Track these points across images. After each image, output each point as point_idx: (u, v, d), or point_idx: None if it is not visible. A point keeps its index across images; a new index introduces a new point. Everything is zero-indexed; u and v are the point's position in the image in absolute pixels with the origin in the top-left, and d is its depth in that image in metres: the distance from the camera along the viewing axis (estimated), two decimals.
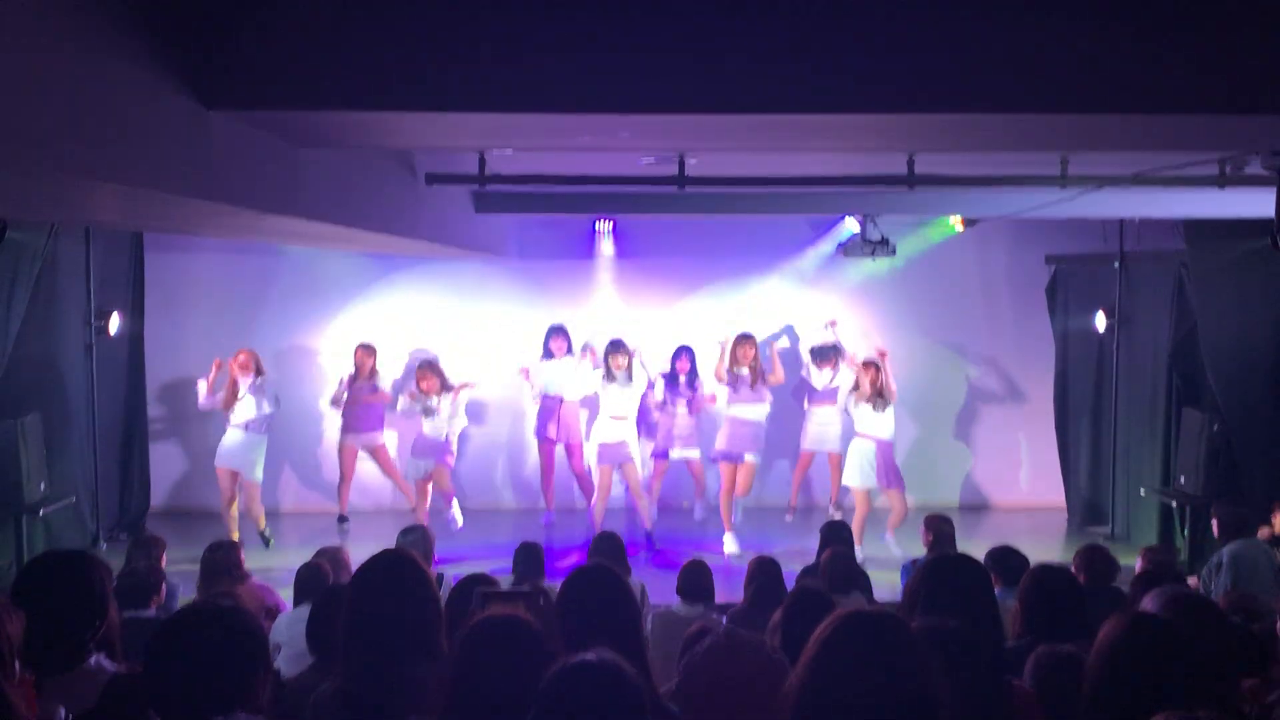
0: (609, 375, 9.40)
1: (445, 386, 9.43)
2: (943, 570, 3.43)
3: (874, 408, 8.93)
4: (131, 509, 10.06)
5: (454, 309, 10.85)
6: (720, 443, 9.42)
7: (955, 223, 9.96)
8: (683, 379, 9.83)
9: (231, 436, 9.14)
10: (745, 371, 9.33)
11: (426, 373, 9.46)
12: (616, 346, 9.46)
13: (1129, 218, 9.37)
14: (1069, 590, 3.89)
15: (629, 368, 9.38)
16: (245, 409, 9.10)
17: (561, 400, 10.10)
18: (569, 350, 10.13)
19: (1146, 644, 2.63)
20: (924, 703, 2.14)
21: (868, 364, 9.07)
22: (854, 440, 9.13)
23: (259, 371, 9.18)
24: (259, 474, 9.21)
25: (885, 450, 8.95)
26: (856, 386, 9.06)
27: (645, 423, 10.16)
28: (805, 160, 6.24)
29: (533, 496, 10.88)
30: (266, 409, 9.18)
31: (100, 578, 3.10)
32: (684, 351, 9.96)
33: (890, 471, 8.96)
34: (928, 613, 3.11)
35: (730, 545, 9.22)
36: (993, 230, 10.40)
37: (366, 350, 9.91)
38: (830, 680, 2.15)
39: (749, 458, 9.34)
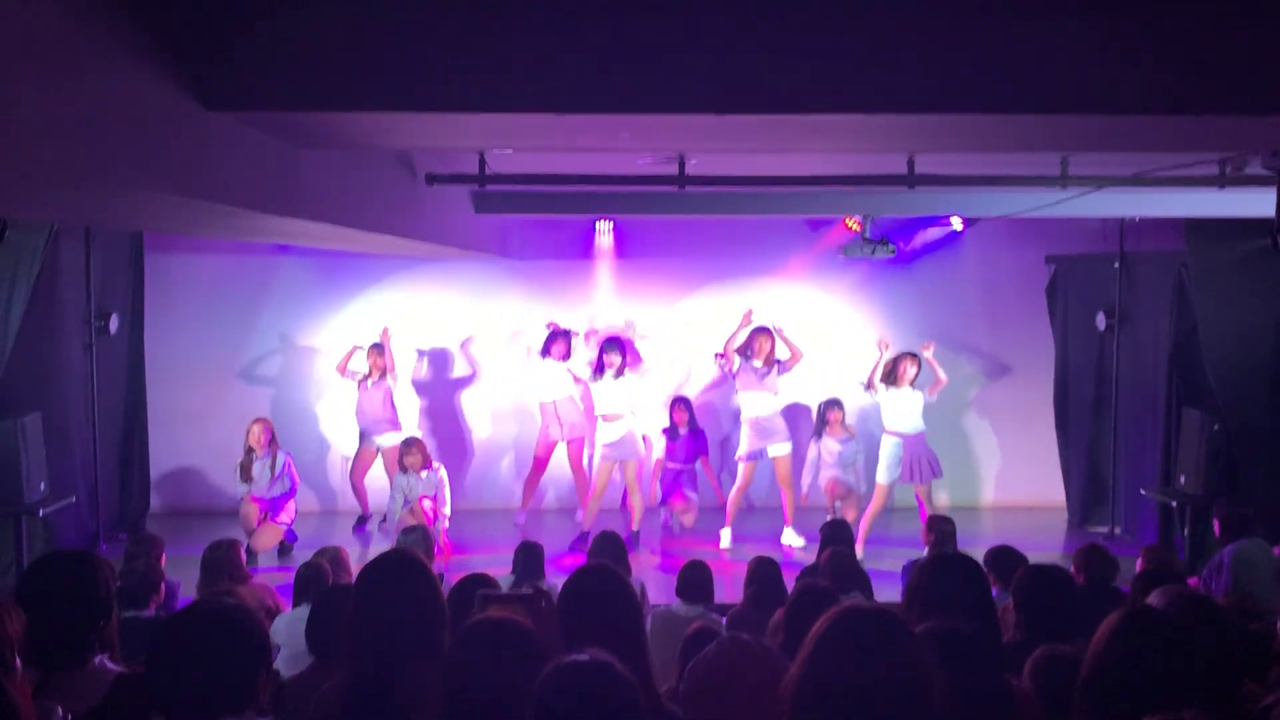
0: (600, 372, 9.38)
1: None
2: (941, 569, 3.44)
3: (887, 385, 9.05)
4: (131, 509, 10.05)
5: (454, 309, 10.84)
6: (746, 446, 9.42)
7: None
8: (683, 430, 9.82)
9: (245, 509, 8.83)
10: (759, 364, 9.31)
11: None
12: (611, 345, 9.43)
13: (1129, 218, 9.37)
14: (1064, 590, 3.89)
15: (621, 366, 9.35)
16: (260, 483, 8.82)
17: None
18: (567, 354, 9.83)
19: (1143, 639, 2.62)
20: (920, 697, 2.14)
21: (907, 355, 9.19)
22: (883, 436, 9.21)
23: (274, 442, 8.93)
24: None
25: (913, 445, 9.06)
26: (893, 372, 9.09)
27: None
28: (805, 160, 6.24)
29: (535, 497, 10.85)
30: (278, 489, 8.88)
31: (106, 578, 3.11)
32: (679, 402, 9.96)
33: (918, 465, 9.06)
34: (926, 611, 3.12)
35: (790, 538, 9.41)
36: (993, 230, 10.39)
37: (377, 350, 9.76)
38: (827, 675, 2.15)
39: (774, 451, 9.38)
